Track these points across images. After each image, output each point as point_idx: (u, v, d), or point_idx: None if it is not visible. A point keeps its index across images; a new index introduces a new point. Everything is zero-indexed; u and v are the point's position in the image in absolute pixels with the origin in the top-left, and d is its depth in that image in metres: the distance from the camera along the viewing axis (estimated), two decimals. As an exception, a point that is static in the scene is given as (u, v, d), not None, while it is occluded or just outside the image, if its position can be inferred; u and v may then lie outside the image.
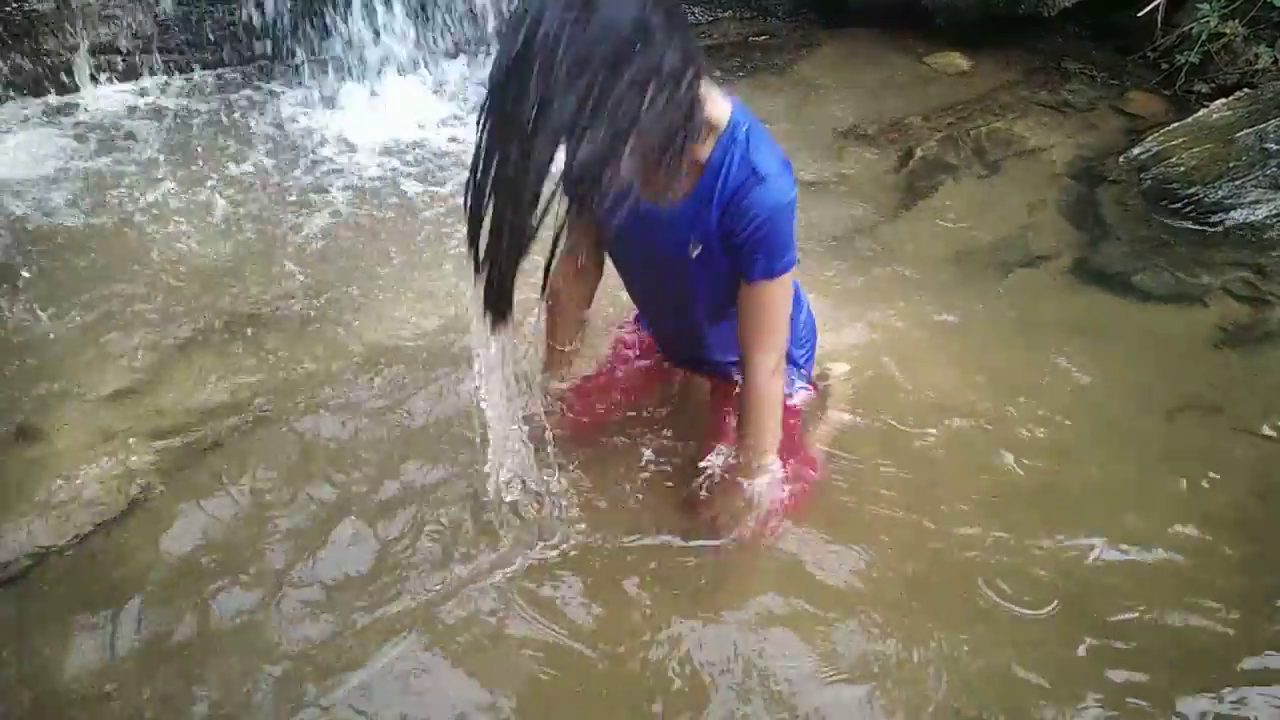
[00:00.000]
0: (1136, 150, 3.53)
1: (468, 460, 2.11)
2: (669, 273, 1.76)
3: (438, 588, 1.90)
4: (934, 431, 2.32)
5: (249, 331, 2.58)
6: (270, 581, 1.92)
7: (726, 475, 1.94)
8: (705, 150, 1.57)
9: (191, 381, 2.42)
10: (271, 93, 3.67)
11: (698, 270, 1.70)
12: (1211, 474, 2.28)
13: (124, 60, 3.57)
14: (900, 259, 3.00)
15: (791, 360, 2.01)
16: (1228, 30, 3.86)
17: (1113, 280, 2.96)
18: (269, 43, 3.70)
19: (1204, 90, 3.89)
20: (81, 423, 2.28)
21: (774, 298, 1.68)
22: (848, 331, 2.62)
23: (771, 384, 1.76)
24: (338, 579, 1.93)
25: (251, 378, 2.43)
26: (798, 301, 1.99)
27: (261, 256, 2.87)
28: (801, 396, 2.12)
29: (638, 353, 2.25)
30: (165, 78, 3.64)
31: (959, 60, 4.13)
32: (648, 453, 2.14)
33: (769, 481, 1.88)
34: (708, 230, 1.62)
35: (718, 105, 1.56)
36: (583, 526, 2.00)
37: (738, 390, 1.90)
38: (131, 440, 2.23)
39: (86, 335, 2.53)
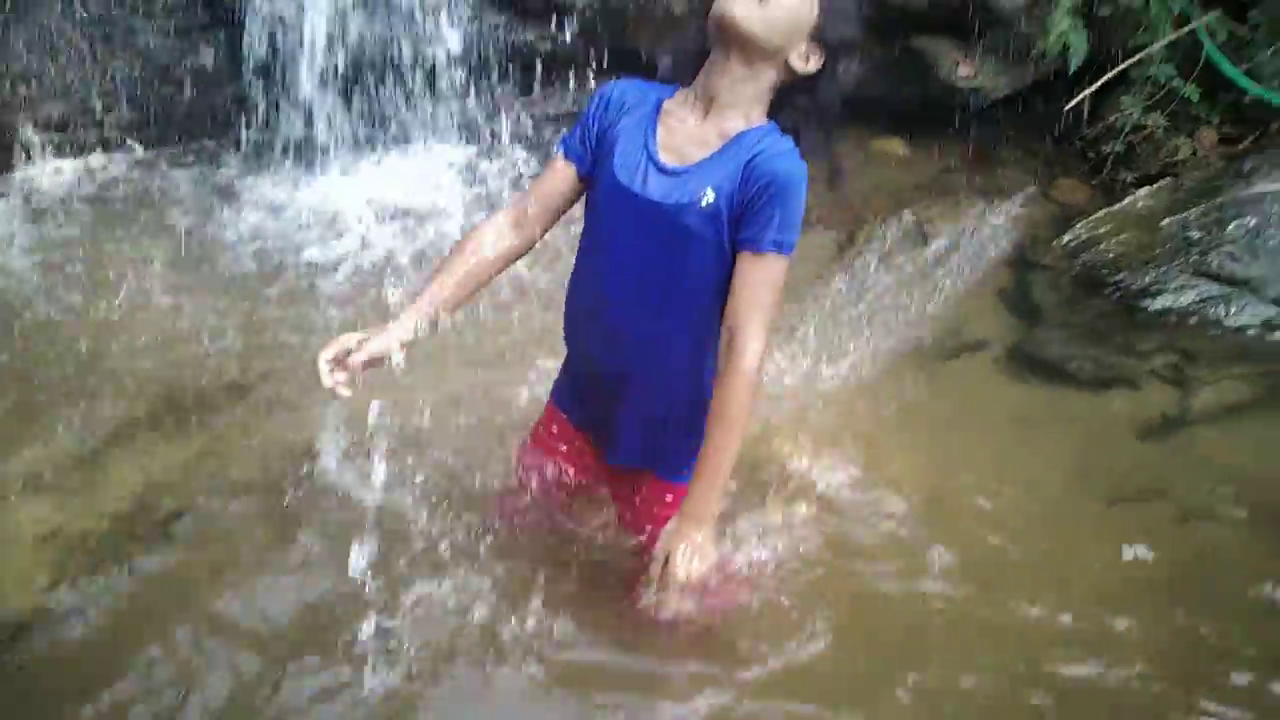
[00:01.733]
0: (1067, 237, 3.67)
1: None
2: (663, 239, 1.68)
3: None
4: (876, 517, 2.36)
5: (187, 416, 2.54)
6: (204, 677, 1.87)
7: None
8: (742, 126, 1.65)
9: (126, 467, 2.37)
10: (221, 171, 3.65)
11: (697, 236, 1.65)
12: (1147, 556, 2.35)
13: (70, 136, 3.54)
14: (840, 345, 3.05)
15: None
16: (1149, 122, 4.06)
17: (1048, 366, 3.05)
18: (223, 122, 3.70)
19: (1129, 179, 4.05)
20: (10, 513, 2.21)
21: (778, 277, 1.66)
22: (788, 416, 2.65)
23: (756, 376, 1.64)
24: (273, 676, 1.89)
25: (187, 462, 2.39)
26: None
27: (203, 336, 2.83)
28: None
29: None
30: (112, 154, 3.60)
31: (899, 147, 4.27)
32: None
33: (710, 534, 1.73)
34: (725, 180, 1.63)
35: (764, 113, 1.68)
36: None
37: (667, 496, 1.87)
38: (58, 533, 2.18)
39: (18, 421, 2.47)
